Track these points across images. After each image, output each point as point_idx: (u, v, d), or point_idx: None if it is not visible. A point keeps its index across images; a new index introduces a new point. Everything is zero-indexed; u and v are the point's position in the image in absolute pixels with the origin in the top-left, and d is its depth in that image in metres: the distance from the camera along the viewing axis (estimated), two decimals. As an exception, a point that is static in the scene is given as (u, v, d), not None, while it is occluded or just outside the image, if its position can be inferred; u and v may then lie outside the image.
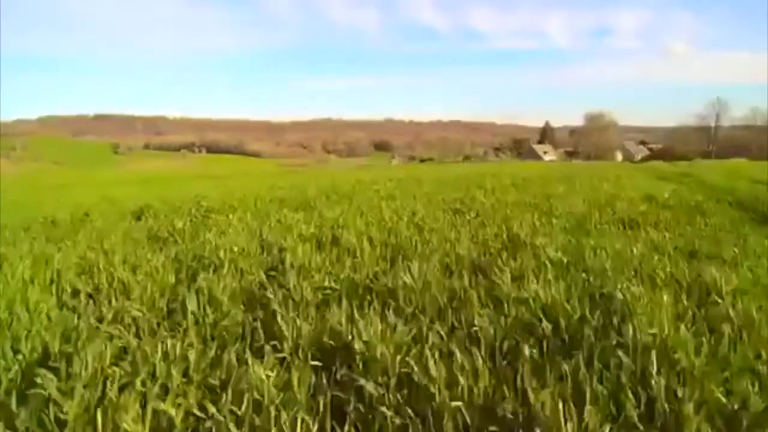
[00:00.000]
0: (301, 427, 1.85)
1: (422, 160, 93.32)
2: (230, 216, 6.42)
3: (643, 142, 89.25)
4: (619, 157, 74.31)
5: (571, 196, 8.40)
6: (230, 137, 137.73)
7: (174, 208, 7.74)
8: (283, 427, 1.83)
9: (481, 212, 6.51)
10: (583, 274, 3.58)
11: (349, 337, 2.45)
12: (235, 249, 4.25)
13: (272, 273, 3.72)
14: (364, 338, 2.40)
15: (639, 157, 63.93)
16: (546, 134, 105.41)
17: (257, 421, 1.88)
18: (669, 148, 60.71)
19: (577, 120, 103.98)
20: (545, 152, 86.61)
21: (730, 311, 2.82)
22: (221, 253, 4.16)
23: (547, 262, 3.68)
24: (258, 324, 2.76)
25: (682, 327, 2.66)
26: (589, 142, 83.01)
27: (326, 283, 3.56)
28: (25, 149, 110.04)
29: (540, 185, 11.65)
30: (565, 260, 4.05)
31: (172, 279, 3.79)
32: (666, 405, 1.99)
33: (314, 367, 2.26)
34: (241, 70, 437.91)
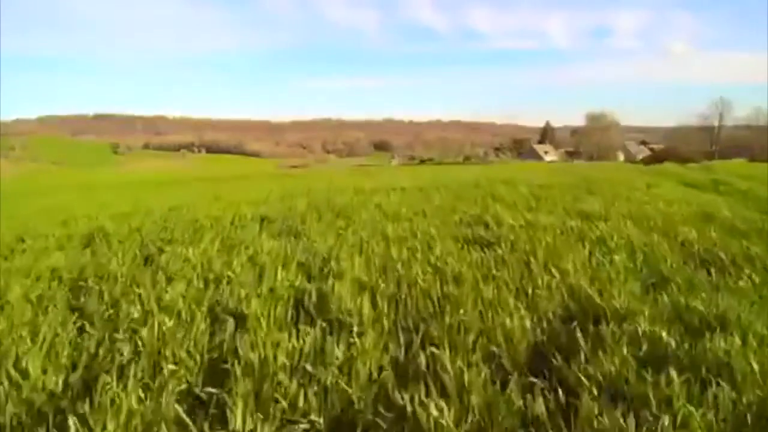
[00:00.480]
0: None
1: (422, 161, 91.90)
2: (191, 250, 4.95)
3: (644, 142, 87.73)
4: (621, 157, 72.83)
5: (614, 213, 6.91)
6: (230, 137, 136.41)
7: (129, 232, 6.26)
8: None
9: (514, 243, 5.05)
10: (729, 388, 2.14)
11: None
12: (169, 324, 2.78)
13: (211, 390, 2.24)
14: None
15: (640, 157, 62.30)
16: (546, 134, 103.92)
17: None
18: (671, 148, 59.12)
19: (577, 120, 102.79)
20: (546, 152, 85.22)
21: None
22: (144, 333, 2.70)
23: (673, 377, 2.19)
24: None
25: None
26: (590, 142, 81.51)
27: (300, 405, 2.11)
28: (24, 149, 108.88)
29: (560, 193, 10.15)
30: (672, 342, 2.62)
31: (55, 387, 2.35)
32: None
33: None
34: (241, 70, 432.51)
